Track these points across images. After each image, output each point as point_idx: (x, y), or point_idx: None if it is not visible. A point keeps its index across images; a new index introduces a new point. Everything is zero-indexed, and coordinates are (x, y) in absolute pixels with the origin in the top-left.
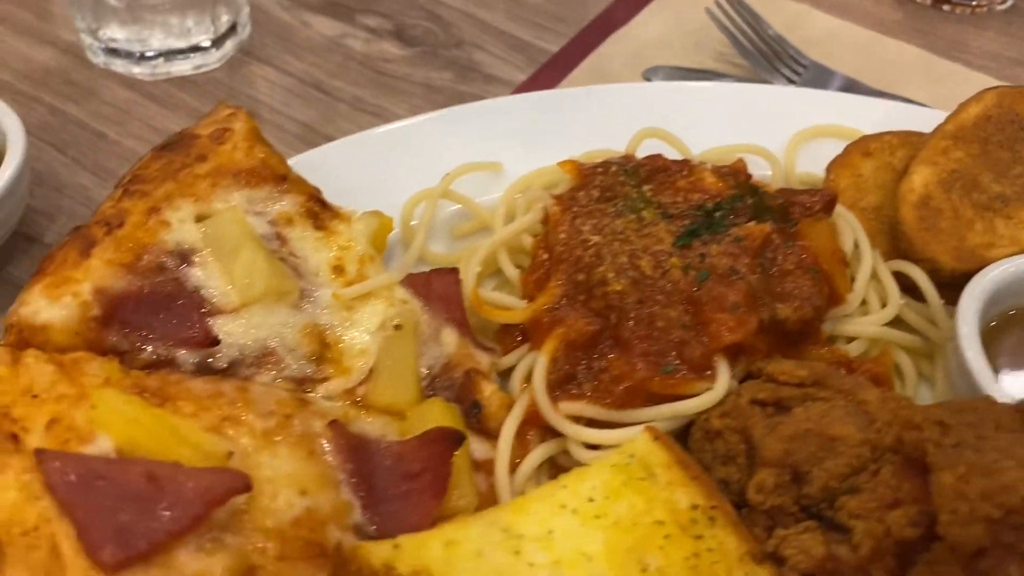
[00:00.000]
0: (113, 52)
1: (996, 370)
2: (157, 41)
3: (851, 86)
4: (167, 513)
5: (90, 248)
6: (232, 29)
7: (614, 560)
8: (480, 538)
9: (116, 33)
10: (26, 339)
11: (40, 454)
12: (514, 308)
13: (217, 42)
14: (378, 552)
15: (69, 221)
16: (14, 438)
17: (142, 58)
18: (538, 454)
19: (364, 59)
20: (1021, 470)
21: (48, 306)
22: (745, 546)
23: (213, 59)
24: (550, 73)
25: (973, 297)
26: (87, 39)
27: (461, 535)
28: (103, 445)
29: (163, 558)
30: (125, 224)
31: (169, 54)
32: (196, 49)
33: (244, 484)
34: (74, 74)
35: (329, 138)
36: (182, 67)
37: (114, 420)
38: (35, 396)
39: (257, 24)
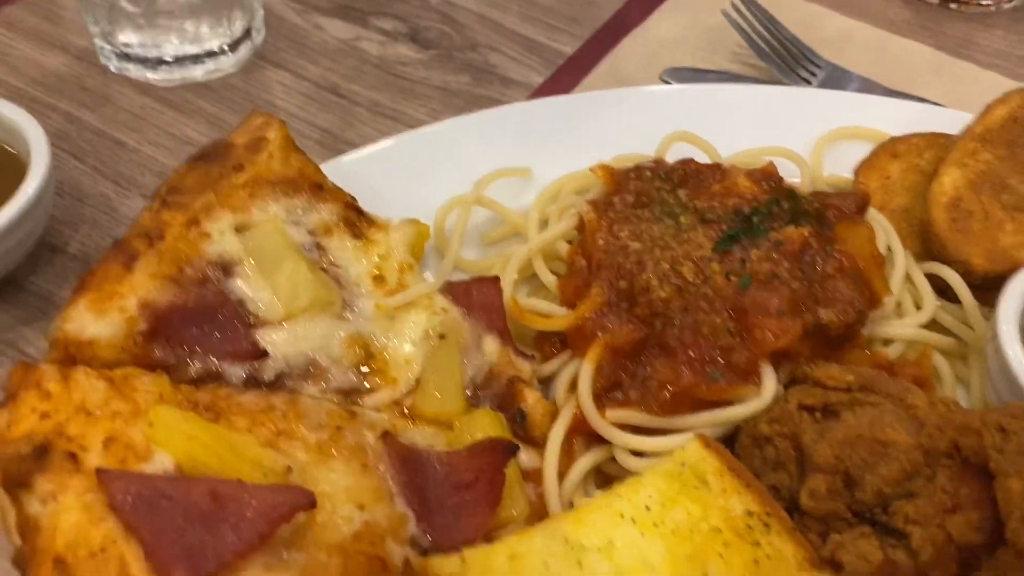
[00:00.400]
0: (127, 58)
1: None
2: (171, 47)
3: (867, 86)
4: (233, 532)
5: (132, 262)
6: (246, 34)
7: (676, 569)
8: (543, 550)
9: (131, 38)
10: (72, 355)
11: (102, 474)
12: (554, 315)
13: (232, 47)
14: (447, 567)
15: (92, 230)
16: (73, 457)
17: (157, 63)
18: (585, 462)
19: (380, 62)
20: None
21: (94, 321)
22: (803, 552)
23: (228, 64)
24: (568, 75)
25: (1013, 296)
26: (101, 44)
27: (524, 548)
28: (162, 463)
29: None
30: (166, 236)
31: (183, 59)
32: (211, 54)
33: (309, 500)
34: (88, 80)
35: (350, 143)
36: (197, 72)
37: (172, 438)
38: (89, 414)
39: (270, 28)
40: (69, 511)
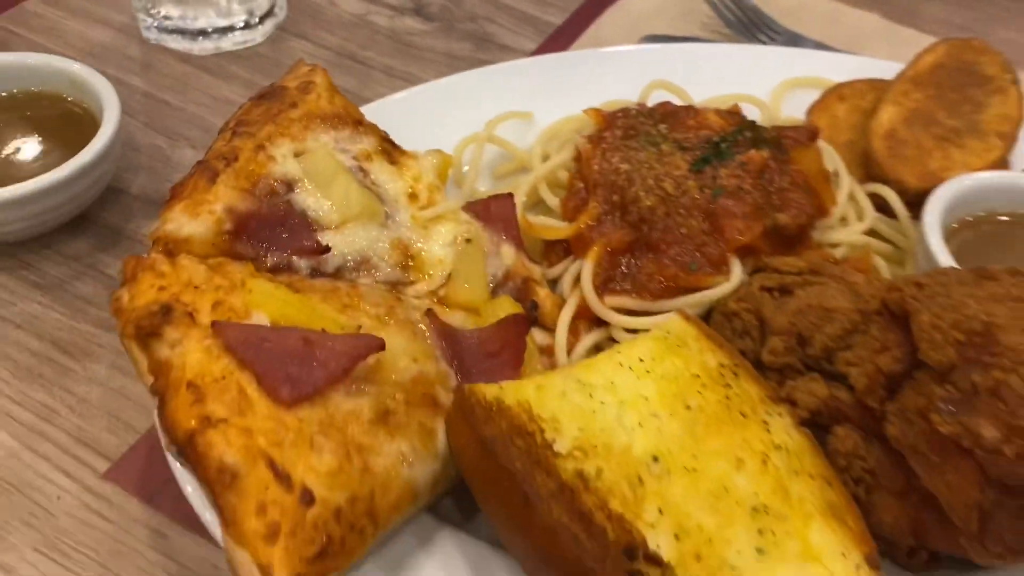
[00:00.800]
0: (166, 30)
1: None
2: (206, 20)
3: (821, 49)
4: (322, 367)
5: (215, 177)
6: (271, 11)
7: (663, 400)
8: (561, 384)
9: (171, 11)
10: (171, 251)
11: (216, 324)
12: (558, 227)
13: (259, 21)
14: (489, 390)
15: (149, 175)
16: (190, 316)
17: (194, 35)
18: (590, 339)
19: (390, 33)
20: (980, 305)
21: (189, 222)
22: (765, 391)
23: (256, 36)
24: (556, 43)
25: (936, 204)
26: (143, 18)
27: (547, 382)
28: (260, 320)
29: (323, 399)
30: (239, 159)
31: (216, 31)
32: (240, 27)
33: (380, 344)
34: (130, 50)
35: (370, 101)
36: (227, 43)
37: (267, 301)
38: (196, 287)
39: (291, 5)
40: (193, 352)
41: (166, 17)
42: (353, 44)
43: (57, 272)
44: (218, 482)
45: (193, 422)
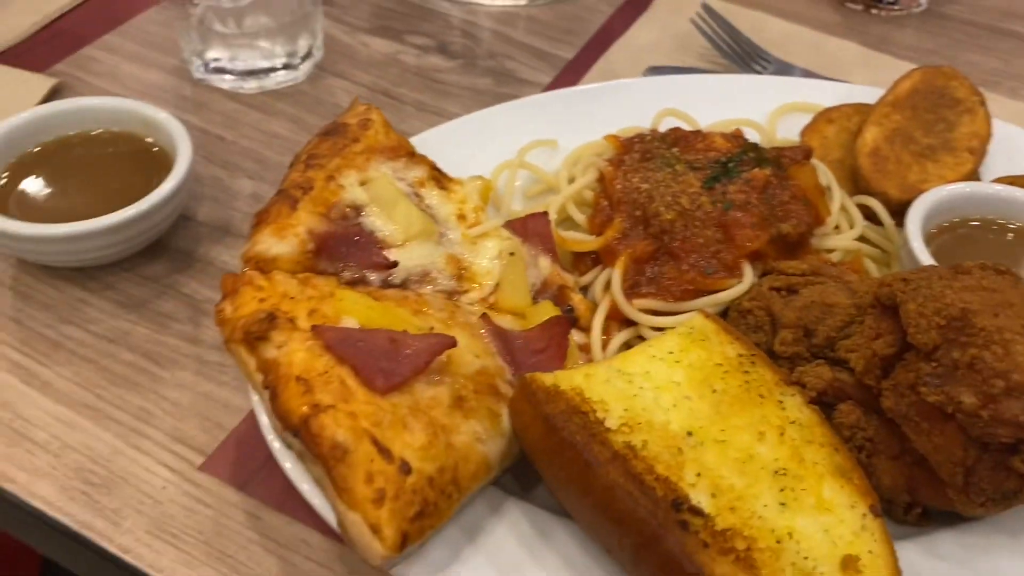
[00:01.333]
0: (215, 71)
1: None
2: (250, 61)
3: (808, 75)
4: (407, 361)
5: (295, 204)
6: (309, 52)
7: (692, 385)
8: (605, 374)
9: (220, 54)
10: (262, 268)
11: (316, 328)
12: (588, 241)
13: (301, 60)
14: (546, 378)
15: (212, 204)
16: (291, 321)
17: (240, 75)
18: (620, 337)
19: (418, 71)
20: (956, 295)
21: (277, 243)
22: (778, 375)
23: (297, 76)
24: (568, 76)
25: (916, 213)
26: (194, 60)
27: (593, 372)
28: (351, 323)
29: (410, 388)
30: (314, 188)
31: (260, 72)
32: (282, 68)
33: (452, 342)
34: (184, 90)
35: (406, 133)
36: (271, 83)
37: (355, 307)
38: (292, 298)
39: (327, 47)
40: (297, 352)
41: (215, 59)
42: (385, 81)
43: (139, 292)
44: (331, 457)
45: (306, 408)
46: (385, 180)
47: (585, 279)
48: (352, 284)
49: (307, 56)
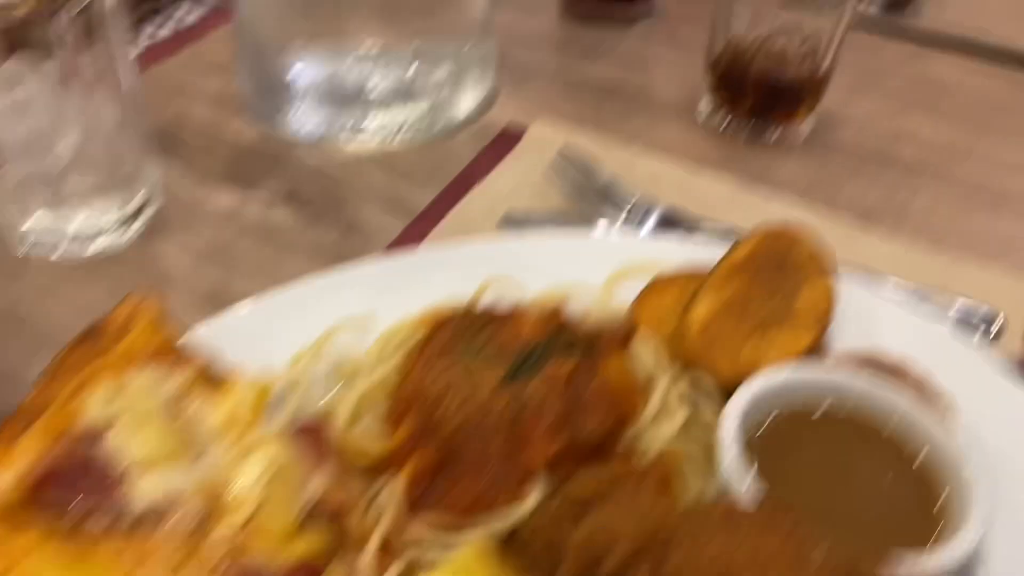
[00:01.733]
0: (35, 240)
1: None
2: (76, 224)
3: (671, 215)
4: None
5: (26, 428)
6: (143, 207)
7: None
8: None
9: (40, 220)
10: None
11: None
12: (371, 450)
13: (131, 218)
14: None
15: None
16: None
17: (65, 240)
18: (396, 568)
19: (260, 225)
20: (721, 552)
21: None
22: None
23: (128, 234)
24: (420, 225)
25: (735, 407)
26: (12, 226)
27: None
28: None
29: None
30: (51, 407)
31: (84, 238)
32: (111, 227)
33: None
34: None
35: (233, 298)
36: (96, 247)
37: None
38: None
39: (166, 200)
40: None
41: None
42: (224, 238)
43: None
44: None
45: None
46: (138, 394)
47: (374, 488)
48: (79, 522)
49: (141, 211)
